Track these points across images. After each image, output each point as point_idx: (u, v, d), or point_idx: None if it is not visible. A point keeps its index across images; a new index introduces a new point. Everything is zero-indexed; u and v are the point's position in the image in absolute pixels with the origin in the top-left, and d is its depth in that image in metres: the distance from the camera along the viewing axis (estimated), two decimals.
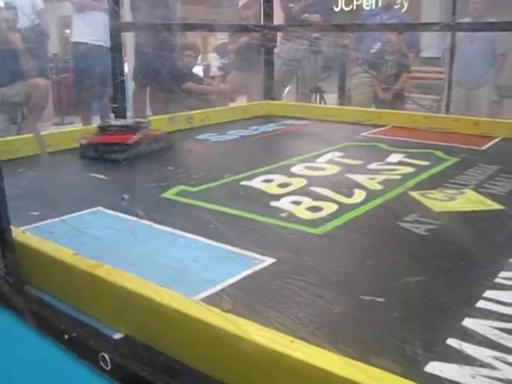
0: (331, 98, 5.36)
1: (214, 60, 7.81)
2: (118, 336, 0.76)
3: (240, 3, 5.53)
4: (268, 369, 0.63)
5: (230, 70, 5.93)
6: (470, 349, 0.72)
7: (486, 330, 0.77)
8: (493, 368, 0.69)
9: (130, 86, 4.98)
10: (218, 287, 0.89)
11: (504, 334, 0.76)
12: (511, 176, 1.57)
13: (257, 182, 1.48)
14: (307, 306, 0.83)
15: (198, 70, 6.27)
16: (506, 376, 0.67)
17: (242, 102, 5.11)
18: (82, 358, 0.77)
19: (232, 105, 4.52)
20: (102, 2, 4.69)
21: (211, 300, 0.82)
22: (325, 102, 5.29)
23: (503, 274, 0.95)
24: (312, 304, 0.84)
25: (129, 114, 3.85)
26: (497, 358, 0.71)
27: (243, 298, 0.85)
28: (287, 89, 5.72)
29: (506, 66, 5.18)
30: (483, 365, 0.69)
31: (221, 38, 7.99)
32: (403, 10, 8.36)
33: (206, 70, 7.32)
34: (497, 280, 0.92)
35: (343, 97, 4.46)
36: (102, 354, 0.73)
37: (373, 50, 4.97)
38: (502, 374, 0.67)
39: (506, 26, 3.27)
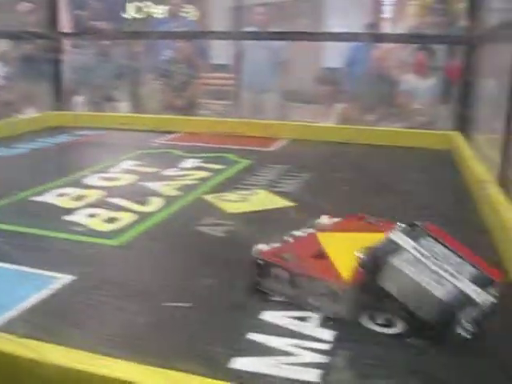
0: (124, 107, 5.31)
1: None
2: None
3: (19, 8, 5.23)
4: None
5: (16, 80, 5.59)
6: (268, 340, 0.76)
7: (281, 320, 0.82)
8: (290, 355, 0.73)
9: None
10: (13, 312, 0.83)
11: (297, 322, 0.81)
12: (298, 174, 1.68)
13: (49, 197, 1.41)
14: (110, 321, 0.81)
15: None
16: (302, 360, 0.72)
17: (30, 113, 4.84)
18: None
19: (20, 116, 4.25)
20: None
21: (6, 327, 0.76)
22: (118, 111, 5.22)
23: None
24: (115, 318, 0.82)
25: None
26: (293, 345, 0.75)
27: (41, 320, 0.81)
28: (80, 98, 5.55)
29: (290, 72, 5.54)
30: (282, 353, 0.73)
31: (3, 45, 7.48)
32: (193, 19, 8.53)
33: None
34: None
35: (136, 105, 4.44)
36: None
37: (163, 58, 5.02)
38: (299, 359, 0.72)
39: (285, 35, 3.51)
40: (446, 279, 0.79)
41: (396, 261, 0.81)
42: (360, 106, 4.90)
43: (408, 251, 0.83)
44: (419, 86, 4.81)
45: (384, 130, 2.64)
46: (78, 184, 1.54)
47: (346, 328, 0.80)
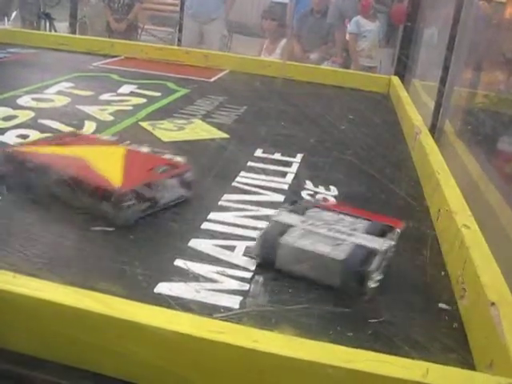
0: (62, 27, 5.08)
1: None
2: None
3: None
4: None
5: None
6: (195, 267, 0.78)
7: (209, 248, 0.83)
8: (215, 281, 0.75)
9: None
10: None
11: (224, 251, 0.83)
12: (236, 106, 1.68)
13: None
14: (35, 242, 0.80)
15: None
16: (225, 287, 0.74)
17: None
18: None
19: None
20: None
21: None
22: (55, 30, 5.01)
23: (226, 196, 1.02)
24: (40, 239, 0.81)
25: None
26: (218, 272, 0.77)
27: None
28: (14, 14, 5.28)
29: (236, 3, 5.43)
30: (207, 280, 0.75)
31: None
32: None
33: None
34: (220, 203, 1.00)
35: (75, 25, 4.26)
36: None
37: None
38: (223, 286, 0.74)
39: None
40: (342, 239, 0.78)
41: (288, 239, 0.78)
42: (303, 44, 4.88)
43: (296, 226, 0.81)
44: (366, 29, 4.82)
45: (323, 69, 2.65)
46: (9, 104, 1.48)
47: None
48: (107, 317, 0.57)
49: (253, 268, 0.79)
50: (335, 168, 1.24)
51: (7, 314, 0.60)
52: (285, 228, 0.81)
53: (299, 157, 1.29)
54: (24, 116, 1.39)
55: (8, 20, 5.09)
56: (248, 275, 0.77)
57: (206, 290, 0.73)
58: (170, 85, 1.89)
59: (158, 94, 1.74)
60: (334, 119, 1.67)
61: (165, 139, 1.30)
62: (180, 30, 3.70)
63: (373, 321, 0.70)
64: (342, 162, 1.28)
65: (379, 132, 1.62)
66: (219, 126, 1.45)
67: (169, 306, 0.66)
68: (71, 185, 0.89)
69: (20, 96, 1.57)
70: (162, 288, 0.72)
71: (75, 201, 0.90)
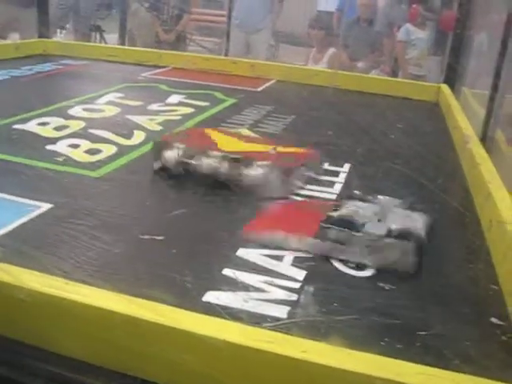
0: (111, 38, 5.20)
1: None
2: None
3: None
4: (44, 313, 0.62)
5: (0, 4, 5.43)
6: (243, 276, 0.78)
7: (256, 257, 0.83)
8: (262, 291, 0.75)
9: None
10: None
11: (271, 260, 0.83)
12: (283, 116, 1.68)
13: (31, 126, 1.40)
14: (86, 250, 0.81)
15: None
16: (273, 297, 0.74)
17: (14, 39, 4.72)
18: None
19: (2, 42, 4.15)
20: None
21: None
22: (105, 42, 5.12)
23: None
24: (91, 247, 0.82)
25: None
26: (266, 282, 0.77)
27: (18, 246, 0.81)
28: (67, 26, 5.43)
29: (283, 13, 5.45)
30: (254, 289, 0.75)
31: None
32: None
33: None
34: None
35: (124, 37, 4.34)
36: None
37: None
38: (270, 296, 0.74)
39: None
40: (410, 215, 0.93)
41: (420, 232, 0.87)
42: (351, 52, 4.86)
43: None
44: (415, 36, 4.76)
45: (371, 77, 2.62)
46: (61, 114, 1.52)
47: (317, 268, 0.82)
48: (158, 325, 0.58)
49: (301, 278, 0.79)
50: (384, 177, 1.22)
51: (60, 320, 0.62)
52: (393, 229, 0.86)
53: (347, 166, 1.27)
54: (75, 126, 1.42)
55: (61, 33, 5.22)
56: (296, 285, 0.77)
57: (254, 299, 0.73)
58: (218, 94, 1.91)
59: (206, 103, 1.76)
60: (382, 128, 1.65)
61: None
62: (227, 40, 3.73)
63: (422, 333, 0.69)
64: (391, 171, 1.26)
65: (429, 141, 1.59)
66: (267, 136, 1.45)
67: (218, 315, 0.66)
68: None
69: (71, 106, 1.60)
70: (211, 297, 0.72)
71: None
